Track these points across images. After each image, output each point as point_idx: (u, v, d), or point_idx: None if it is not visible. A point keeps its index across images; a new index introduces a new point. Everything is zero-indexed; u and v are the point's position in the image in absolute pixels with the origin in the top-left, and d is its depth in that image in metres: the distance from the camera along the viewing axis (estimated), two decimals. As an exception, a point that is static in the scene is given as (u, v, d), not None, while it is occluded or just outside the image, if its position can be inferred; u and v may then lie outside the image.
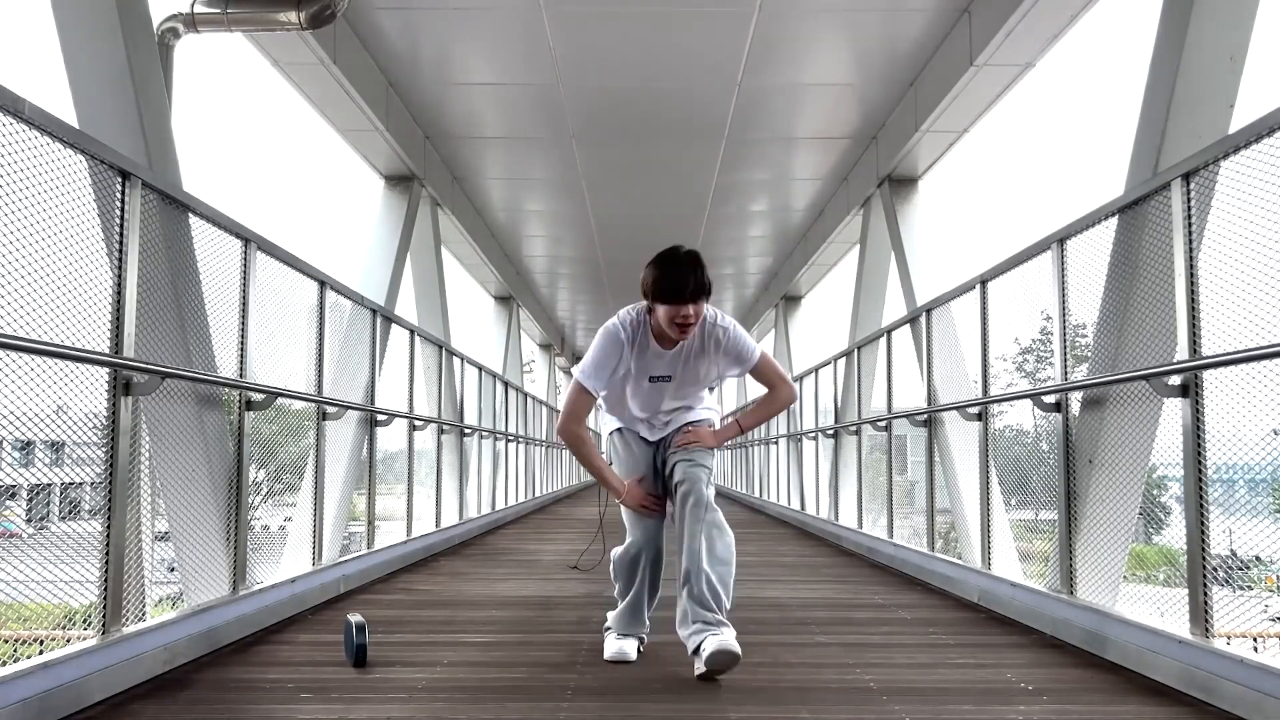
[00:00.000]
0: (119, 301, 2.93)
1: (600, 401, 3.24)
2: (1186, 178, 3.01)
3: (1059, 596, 3.68)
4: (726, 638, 2.89)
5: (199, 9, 5.52)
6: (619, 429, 3.29)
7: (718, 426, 3.28)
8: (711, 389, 3.34)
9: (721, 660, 2.86)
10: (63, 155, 2.68)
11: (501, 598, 4.66)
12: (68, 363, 2.66)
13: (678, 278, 2.90)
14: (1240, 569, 2.90)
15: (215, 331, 3.72)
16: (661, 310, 2.94)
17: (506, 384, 11.42)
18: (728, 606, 3.04)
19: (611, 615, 3.35)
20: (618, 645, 3.22)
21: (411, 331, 7.01)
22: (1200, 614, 2.80)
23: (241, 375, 3.81)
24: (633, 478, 3.20)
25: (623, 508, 3.24)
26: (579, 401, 3.11)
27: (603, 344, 3.05)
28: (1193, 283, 2.98)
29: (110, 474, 2.85)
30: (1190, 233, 3.00)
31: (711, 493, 3.11)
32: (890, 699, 2.70)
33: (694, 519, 3.02)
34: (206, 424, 3.72)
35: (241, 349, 3.82)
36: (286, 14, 5.58)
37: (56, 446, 2.82)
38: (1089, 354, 3.98)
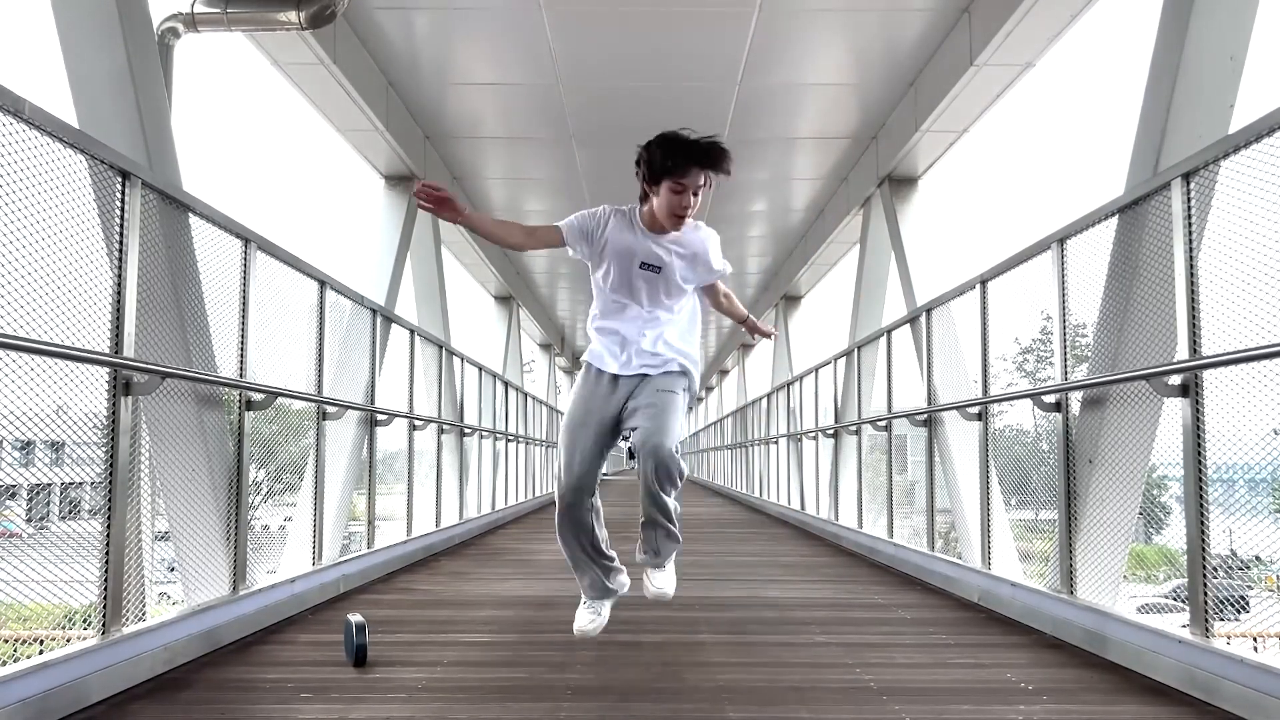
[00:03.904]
0: (119, 301, 2.93)
1: (594, 310, 3.03)
2: (1186, 178, 3.01)
3: (1059, 596, 3.68)
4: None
5: (199, 9, 5.52)
6: (588, 362, 3.04)
7: (697, 381, 3.07)
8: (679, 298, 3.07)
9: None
10: (63, 155, 2.68)
11: (501, 598, 4.66)
12: (68, 362, 2.66)
13: (687, 143, 2.72)
14: (1240, 569, 2.90)
15: (215, 331, 3.72)
16: (664, 190, 2.75)
17: (506, 384, 11.41)
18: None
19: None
20: (578, 619, 3.04)
21: (411, 331, 7.01)
22: (1200, 614, 2.80)
23: (241, 375, 3.81)
24: (572, 425, 2.95)
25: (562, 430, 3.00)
26: (543, 227, 2.90)
27: (584, 211, 2.91)
28: (1193, 283, 2.98)
29: (110, 474, 2.85)
30: (1190, 233, 3.00)
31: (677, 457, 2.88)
32: (890, 699, 2.70)
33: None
34: (206, 424, 3.72)
35: (241, 349, 3.82)
36: (286, 14, 5.58)
37: (56, 446, 2.82)
38: (1089, 354, 3.98)
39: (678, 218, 2.81)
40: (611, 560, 3.04)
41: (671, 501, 2.92)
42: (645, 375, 2.96)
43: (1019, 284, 4.36)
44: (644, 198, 2.88)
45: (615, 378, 2.96)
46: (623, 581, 3.10)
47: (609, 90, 7.77)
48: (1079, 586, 3.67)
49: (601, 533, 3.00)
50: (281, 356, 4.23)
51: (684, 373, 3.00)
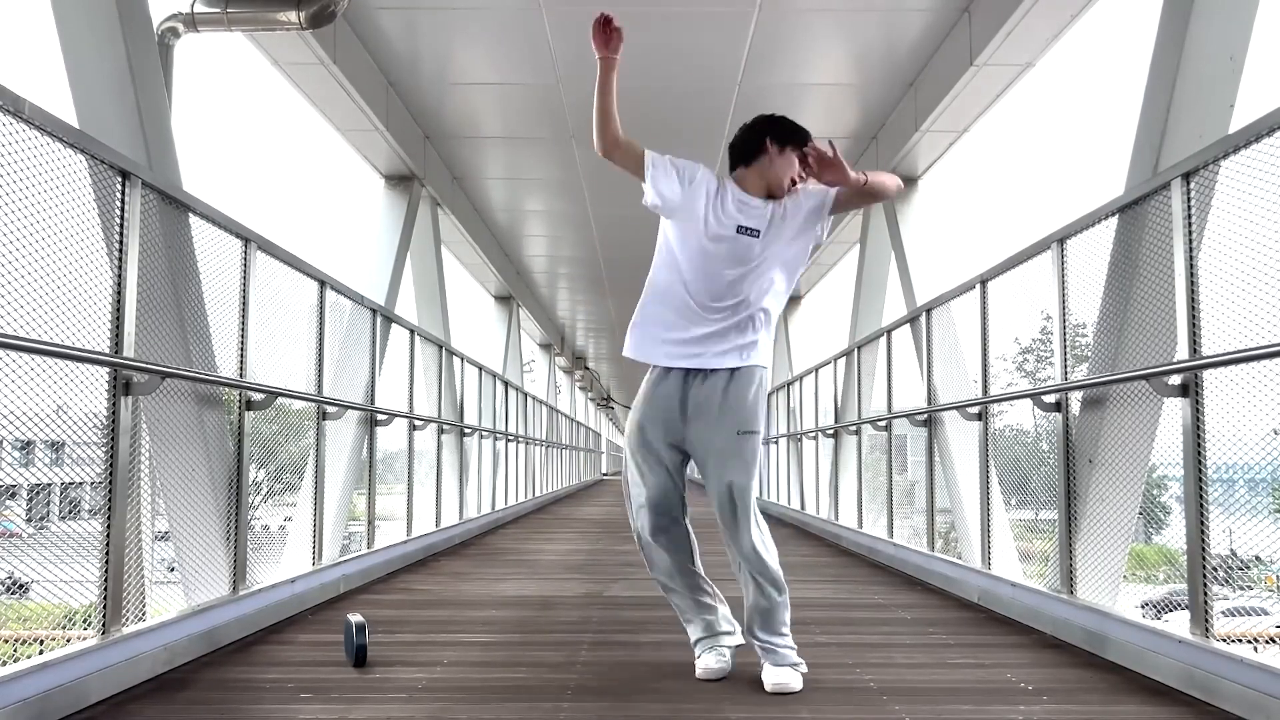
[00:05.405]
0: (119, 301, 2.93)
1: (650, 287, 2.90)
2: (1186, 178, 3.01)
3: (1059, 596, 3.68)
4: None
5: (199, 9, 5.51)
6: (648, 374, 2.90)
7: (766, 378, 2.88)
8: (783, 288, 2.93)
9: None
10: (63, 155, 2.68)
11: (501, 598, 4.66)
12: (68, 362, 2.66)
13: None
14: (1240, 569, 2.90)
15: (215, 331, 3.72)
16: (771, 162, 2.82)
17: (506, 384, 11.41)
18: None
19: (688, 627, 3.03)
20: (702, 663, 2.94)
21: (411, 331, 7.01)
22: (1200, 614, 2.80)
23: (241, 375, 3.81)
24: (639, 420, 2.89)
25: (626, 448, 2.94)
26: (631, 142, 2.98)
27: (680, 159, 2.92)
28: (1193, 283, 2.98)
29: (110, 474, 2.85)
30: (1190, 233, 3.00)
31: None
32: (890, 699, 2.70)
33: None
34: (206, 424, 3.72)
35: (241, 349, 3.82)
36: (286, 14, 5.57)
37: (56, 446, 2.82)
38: (1089, 354, 3.98)
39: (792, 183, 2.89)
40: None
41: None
42: None
43: (1019, 284, 4.36)
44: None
45: None
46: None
47: (609, 90, 7.76)
48: (1079, 586, 3.67)
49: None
50: (281, 356, 4.23)
51: None
